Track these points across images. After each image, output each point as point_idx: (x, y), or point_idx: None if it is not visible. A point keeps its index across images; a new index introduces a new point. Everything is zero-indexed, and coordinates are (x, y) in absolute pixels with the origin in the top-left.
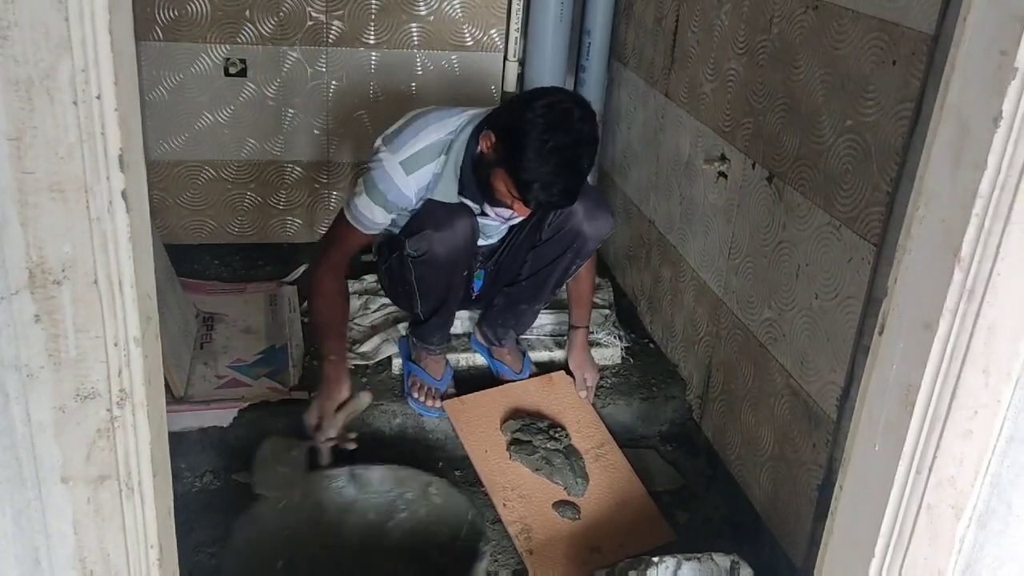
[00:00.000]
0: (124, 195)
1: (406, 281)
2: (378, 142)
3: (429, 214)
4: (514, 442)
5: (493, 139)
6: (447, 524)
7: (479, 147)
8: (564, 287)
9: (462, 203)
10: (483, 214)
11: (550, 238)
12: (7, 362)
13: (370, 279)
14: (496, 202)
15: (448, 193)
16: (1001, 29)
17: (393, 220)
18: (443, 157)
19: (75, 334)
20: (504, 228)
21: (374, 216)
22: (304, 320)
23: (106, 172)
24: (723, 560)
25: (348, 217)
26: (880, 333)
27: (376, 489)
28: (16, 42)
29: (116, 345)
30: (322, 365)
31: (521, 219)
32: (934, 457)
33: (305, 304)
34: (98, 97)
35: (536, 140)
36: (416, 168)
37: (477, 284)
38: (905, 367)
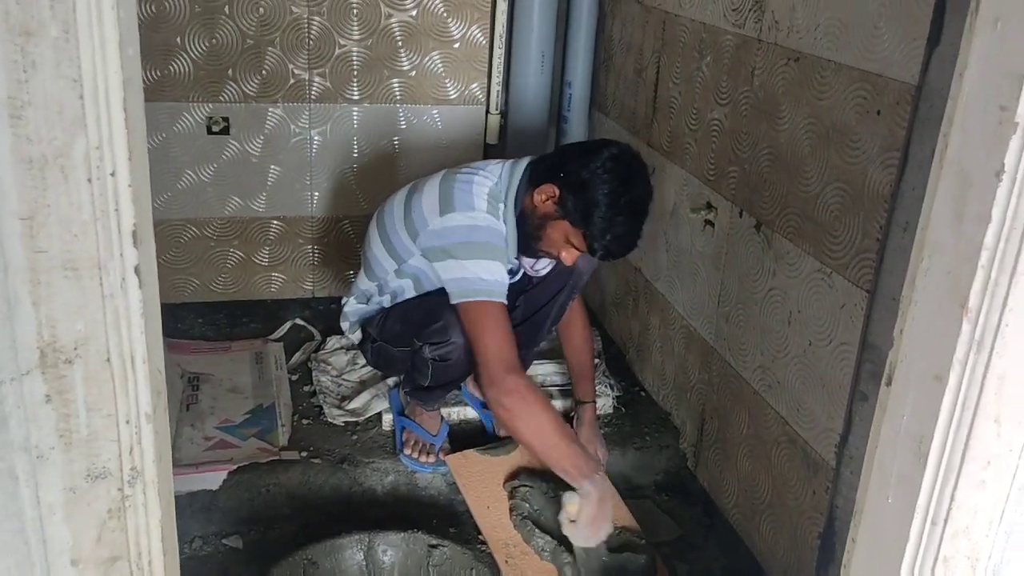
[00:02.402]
0: (137, 270)
1: (418, 370)
2: (438, 221)
3: (450, 320)
4: (514, 508)
5: (556, 193)
6: None
7: (528, 199)
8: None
9: None
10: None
11: (543, 280)
12: (17, 444)
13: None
14: (538, 253)
15: (512, 248)
16: (1000, 85)
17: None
18: (502, 206)
19: (86, 413)
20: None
21: (503, 276)
22: (292, 378)
23: (119, 248)
24: None
25: (481, 299)
26: (888, 384)
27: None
28: (30, 121)
29: (128, 423)
30: (595, 482)
31: (545, 273)
32: (949, 508)
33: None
34: (112, 174)
35: (609, 195)
36: (497, 214)
37: None
38: (916, 419)
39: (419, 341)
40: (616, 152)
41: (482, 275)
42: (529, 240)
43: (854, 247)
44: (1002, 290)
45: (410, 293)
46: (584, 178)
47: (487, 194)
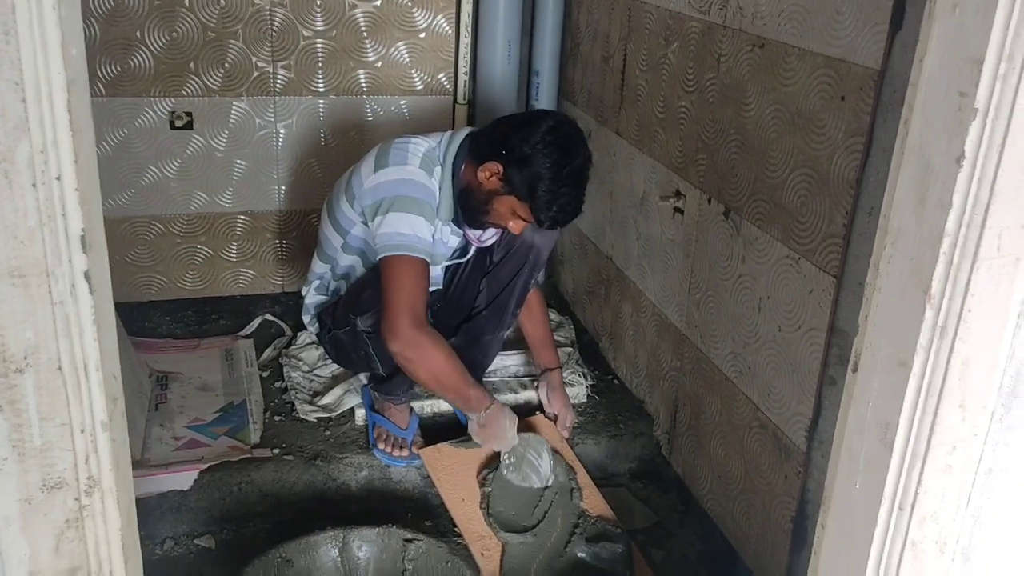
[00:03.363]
0: (87, 276)
1: (361, 350)
2: (372, 177)
3: (376, 287)
4: (485, 497)
5: (500, 170)
6: None
7: (470, 175)
8: (521, 327)
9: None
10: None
11: (503, 258)
12: None
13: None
14: (483, 225)
15: (447, 212)
16: (959, 71)
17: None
18: (439, 169)
19: (39, 423)
20: (440, 272)
21: (424, 233)
22: (263, 375)
23: (68, 254)
24: None
25: (400, 253)
26: (854, 371)
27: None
28: None
29: (83, 431)
30: (485, 415)
31: (491, 243)
32: (916, 493)
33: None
34: (58, 178)
35: (552, 168)
36: (431, 172)
37: None
38: (882, 405)
39: (352, 315)
40: (553, 124)
41: (403, 230)
42: (476, 214)
43: (821, 232)
44: (964, 276)
45: (360, 271)
46: (526, 153)
47: (422, 154)
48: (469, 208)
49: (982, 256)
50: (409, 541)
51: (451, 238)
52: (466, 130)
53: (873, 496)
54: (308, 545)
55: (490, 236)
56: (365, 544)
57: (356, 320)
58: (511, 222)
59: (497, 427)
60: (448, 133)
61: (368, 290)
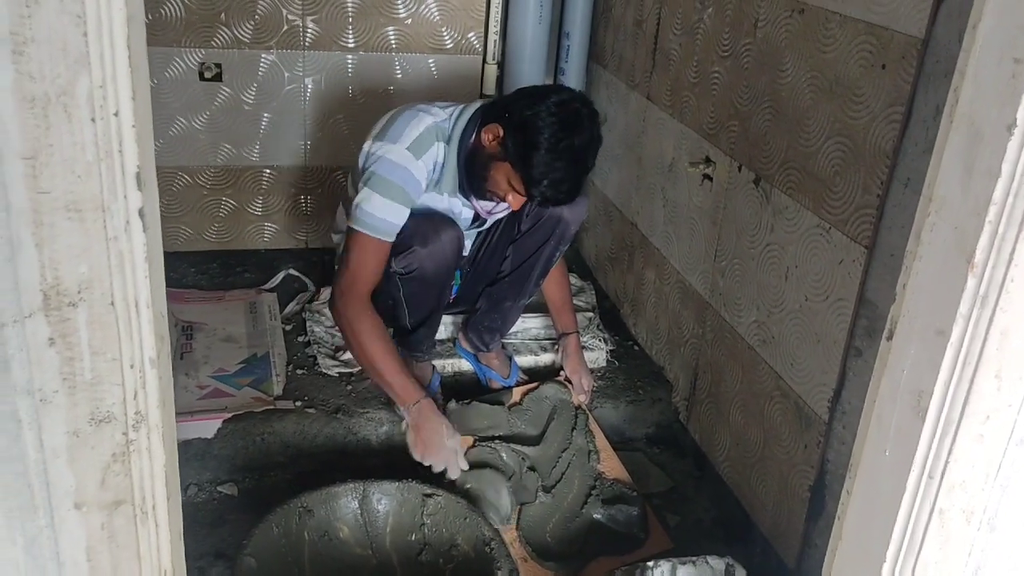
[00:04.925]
0: (141, 214)
1: (391, 296)
2: (368, 144)
3: (414, 230)
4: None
5: (501, 133)
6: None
7: (476, 139)
8: (542, 292)
9: (446, 214)
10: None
11: (530, 228)
12: (20, 387)
13: None
14: (486, 194)
15: (451, 184)
16: (1014, 37)
17: None
18: (443, 145)
19: (91, 357)
20: (474, 232)
21: (393, 217)
22: (286, 328)
23: (123, 191)
24: (718, 563)
25: (363, 230)
26: (888, 339)
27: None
28: (33, 58)
29: (132, 367)
30: (412, 411)
31: (502, 215)
32: (946, 462)
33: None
34: (116, 114)
35: (550, 139)
36: (423, 152)
37: (454, 288)
38: (916, 373)
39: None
40: (565, 98)
41: (374, 211)
42: (478, 180)
43: (854, 203)
44: (1008, 245)
45: None
46: (526, 118)
47: (422, 130)
48: (472, 174)
49: None
50: (428, 496)
51: (463, 209)
52: (480, 102)
53: (903, 464)
54: (329, 496)
55: (500, 210)
56: (385, 497)
57: (391, 261)
58: (509, 196)
59: (432, 434)
60: (463, 105)
61: (403, 232)
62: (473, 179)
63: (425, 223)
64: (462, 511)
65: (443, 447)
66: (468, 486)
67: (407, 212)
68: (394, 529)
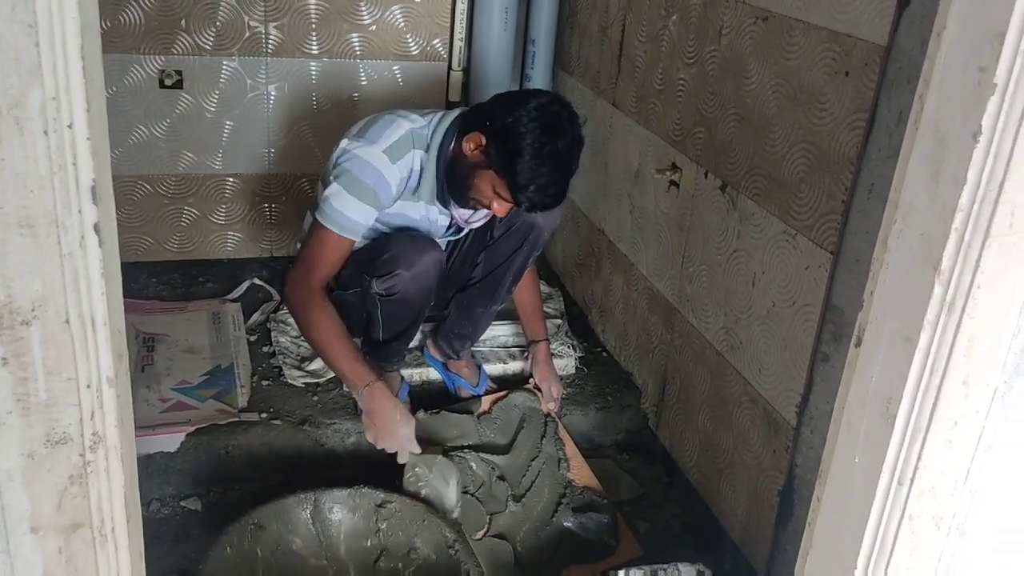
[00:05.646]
0: (97, 228)
1: (367, 312)
2: (344, 143)
3: (398, 252)
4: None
5: (483, 141)
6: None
7: (457, 148)
8: (512, 300)
9: (424, 228)
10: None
11: (503, 234)
12: None
13: None
14: (468, 203)
15: (428, 193)
16: (979, 46)
17: None
18: (421, 152)
19: (45, 376)
20: (447, 239)
21: (359, 216)
22: (251, 339)
23: (78, 205)
24: (689, 569)
25: (327, 225)
26: (857, 346)
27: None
28: None
29: (89, 387)
30: (364, 395)
31: (480, 224)
32: (916, 468)
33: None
34: (70, 126)
35: (534, 144)
36: (399, 156)
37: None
38: (885, 380)
39: (368, 276)
40: (544, 101)
41: (342, 209)
42: (460, 189)
43: (819, 209)
44: (975, 252)
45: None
46: (508, 124)
47: (400, 136)
48: (453, 183)
49: (994, 233)
50: (381, 506)
51: (440, 217)
52: (459, 110)
53: (872, 470)
54: (280, 509)
55: (479, 218)
56: (336, 505)
57: (372, 281)
58: (495, 203)
59: (384, 417)
60: (442, 112)
61: (387, 253)
62: (454, 188)
63: (408, 244)
64: (419, 514)
65: (396, 432)
66: (417, 471)
67: (375, 214)
68: (348, 536)
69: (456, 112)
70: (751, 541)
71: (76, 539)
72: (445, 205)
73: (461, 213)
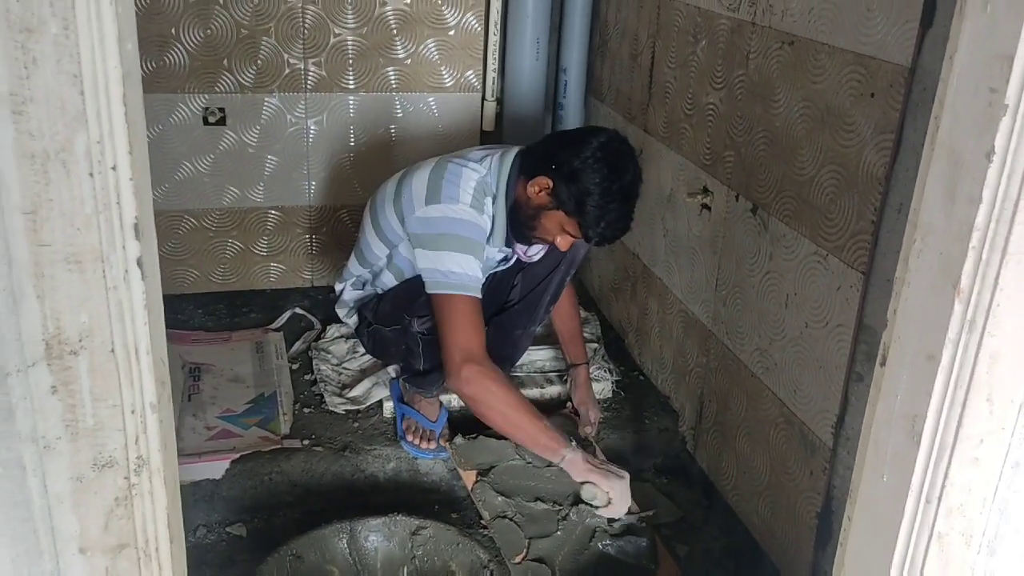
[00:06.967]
0: (139, 263)
1: (407, 346)
2: (422, 210)
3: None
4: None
5: (550, 184)
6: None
7: (520, 191)
8: (551, 324)
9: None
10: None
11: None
12: (24, 435)
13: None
14: (531, 240)
15: (500, 239)
16: (989, 67)
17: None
18: (490, 199)
19: (92, 403)
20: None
21: (475, 271)
22: (292, 367)
23: (122, 241)
24: None
25: (451, 292)
26: (882, 365)
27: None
28: (32, 117)
29: (133, 412)
30: (565, 463)
31: (540, 256)
32: (943, 486)
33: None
34: (113, 168)
35: (602, 183)
36: (481, 208)
37: None
38: (909, 398)
39: (408, 316)
40: (604, 140)
41: (454, 268)
42: (523, 229)
43: (849, 229)
44: (993, 270)
45: (392, 284)
46: (576, 168)
47: (474, 187)
48: (517, 223)
49: (1011, 251)
50: (415, 533)
51: (496, 254)
52: (515, 150)
53: (900, 488)
54: (316, 539)
55: (536, 251)
56: (372, 534)
57: (412, 321)
58: (559, 237)
59: (610, 483)
60: (498, 154)
61: (425, 295)
62: (517, 228)
63: None
64: (453, 537)
65: (625, 502)
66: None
67: (482, 264)
68: (384, 563)
69: (511, 155)
70: (791, 563)
71: (122, 559)
72: (507, 244)
73: (520, 248)
